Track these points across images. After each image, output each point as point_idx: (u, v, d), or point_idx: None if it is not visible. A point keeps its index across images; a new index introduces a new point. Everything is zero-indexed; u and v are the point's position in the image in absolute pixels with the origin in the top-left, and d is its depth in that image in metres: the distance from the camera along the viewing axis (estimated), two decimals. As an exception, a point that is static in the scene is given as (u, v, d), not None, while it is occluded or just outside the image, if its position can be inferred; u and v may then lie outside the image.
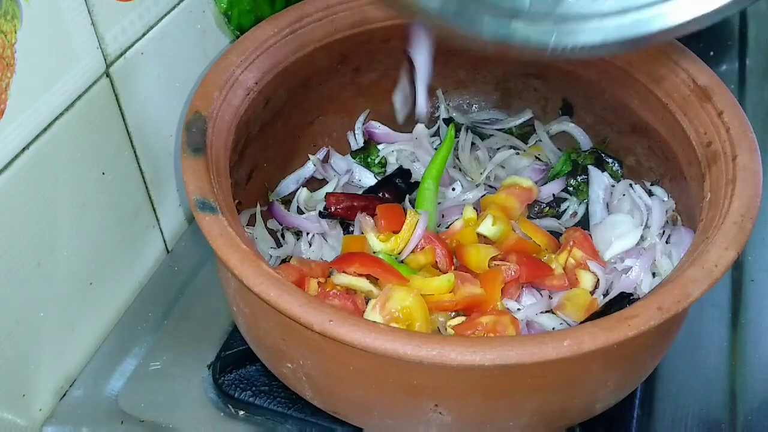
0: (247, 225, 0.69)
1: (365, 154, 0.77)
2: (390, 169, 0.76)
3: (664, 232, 0.67)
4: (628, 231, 0.68)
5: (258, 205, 0.71)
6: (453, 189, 0.73)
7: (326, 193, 0.72)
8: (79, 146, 0.59)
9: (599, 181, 0.73)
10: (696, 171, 0.61)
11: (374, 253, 0.65)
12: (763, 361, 0.65)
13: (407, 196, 0.72)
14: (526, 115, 0.78)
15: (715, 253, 0.51)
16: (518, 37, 0.48)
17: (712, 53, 0.93)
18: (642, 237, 0.67)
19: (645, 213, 0.68)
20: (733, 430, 0.60)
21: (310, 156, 0.75)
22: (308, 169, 0.75)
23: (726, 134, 0.59)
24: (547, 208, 0.75)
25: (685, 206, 0.66)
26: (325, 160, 0.76)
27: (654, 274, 0.65)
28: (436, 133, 0.79)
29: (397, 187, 0.72)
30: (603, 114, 0.73)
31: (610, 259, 0.67)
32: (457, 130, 0.76)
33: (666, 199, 0.69)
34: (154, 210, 0.71)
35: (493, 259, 0.63)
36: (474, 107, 0.81)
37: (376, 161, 0.77)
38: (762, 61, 0.96)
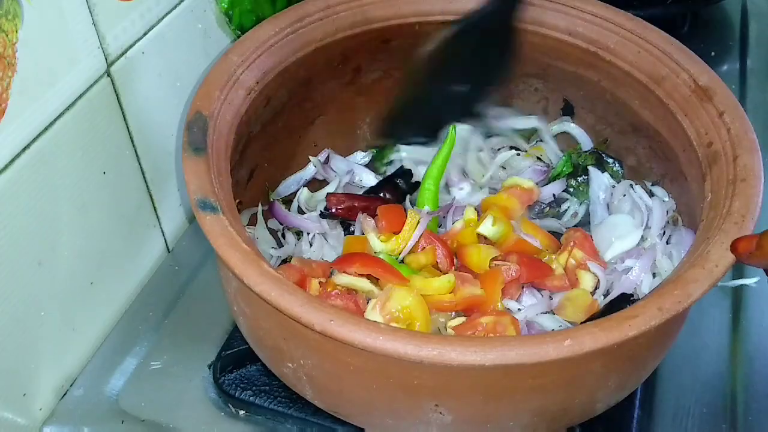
0: (247, 225, 0.69)
1: (381, 148, 0.77)
2: (391, 170, 0.77)
3: (664, 232, 0.67)
4: (628, 231, 0.68)
5: (259, 204, 0.71)
6: (455, 189, 0.73)
7: (327, 193, 0.72)
8: (80, 146, 0.60)
9: (600, 181, 0.72)
10: (697, 171, 0.61)
11: (375, 253, 0.65)
12: (763, 361, 0.65)
13: (408, 196, 0.72)
14: (532, 123, 0.77)
15: (716, 254, 0.51)
16: None
17: (713, 53, 0.93)
18: (642, 237, 0.67)
19: (645, 213, 0.68)
20: (733, 430, 0.60)
21: (311, 158, 0.75)
22: (309, 170, 0.75)
23: (727, 134, 0.59)
24: (548, 208, 0.74)
25: (685, 206, 0.66)
26: (326, 160, 0.76)
27: (654, 275, 0.65)
28: (437, 133, 0.79)
29: (398, 188, 0.72)
30: (604, 114, 0.73)
31: (610, 259, 0.67)
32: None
33: (667, 199, 0.69)
34: (155, 209, 0.71)
35: (494, 259, 0.63)
36: (475, 107, 0.80)
37: (390, 158, 0.77)
38: (763, 61, 0.96)
